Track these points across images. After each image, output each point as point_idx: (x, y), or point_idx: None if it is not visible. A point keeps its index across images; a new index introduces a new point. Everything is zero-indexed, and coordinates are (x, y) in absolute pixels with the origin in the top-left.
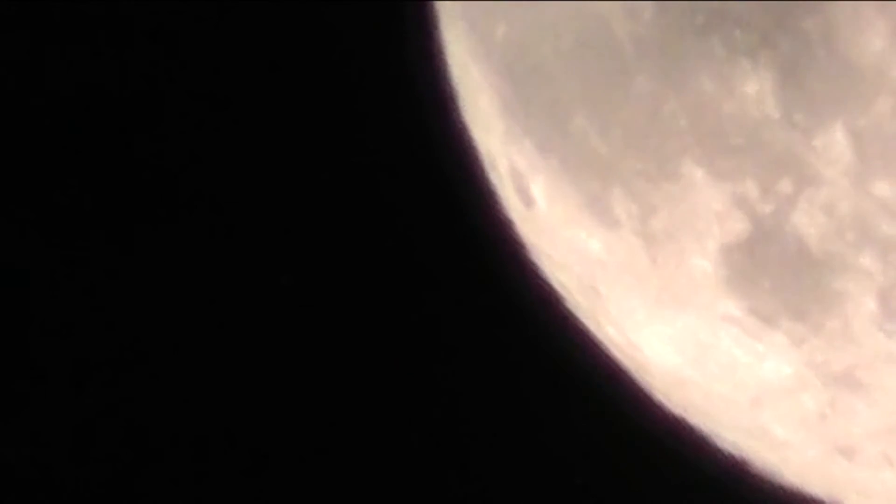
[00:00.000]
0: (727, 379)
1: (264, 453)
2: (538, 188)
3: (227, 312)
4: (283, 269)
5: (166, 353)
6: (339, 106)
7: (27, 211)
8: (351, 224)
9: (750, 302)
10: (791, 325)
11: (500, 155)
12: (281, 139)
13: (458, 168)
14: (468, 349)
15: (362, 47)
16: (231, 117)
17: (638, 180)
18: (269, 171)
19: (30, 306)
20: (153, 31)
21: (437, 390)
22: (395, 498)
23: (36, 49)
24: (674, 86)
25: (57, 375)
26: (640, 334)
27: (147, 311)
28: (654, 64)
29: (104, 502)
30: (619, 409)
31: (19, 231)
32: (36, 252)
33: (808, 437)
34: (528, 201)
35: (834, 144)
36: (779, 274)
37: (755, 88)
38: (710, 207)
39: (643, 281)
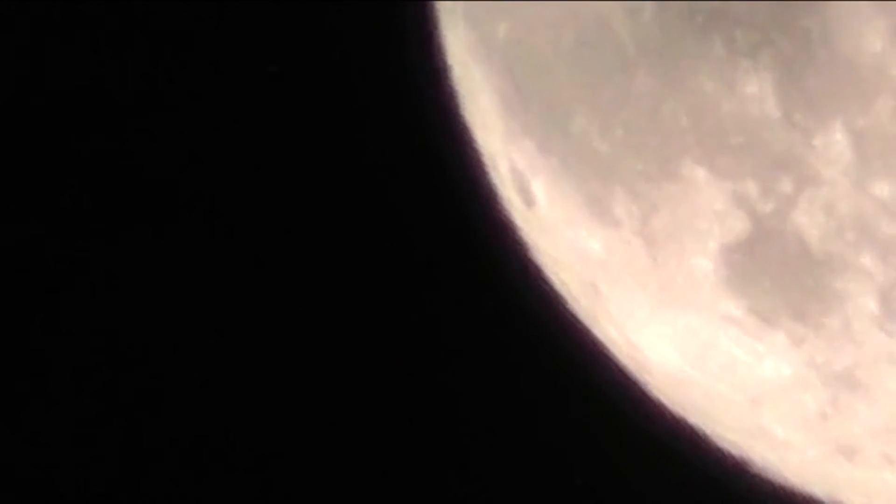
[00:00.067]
0: (727, 378)
1: (264, 453)
2: (539, 188)
3: (227, 312)
4: (284, 269)
5: (166, 353)
6: (339, 106)
7: (27, 211)
8: (351, 224)
9: (750, 302)
10: (791, 325)
11: (501, 155)
12: (281, 139)
13: (459, 168)
14: (468, 349)
15: (362, 47)
16: (231, 117)
17: (638, 180)
18: (269, 171)
19: (30, 306)
20: (153, 30)
21: (437, 390)
22: (395, 498)
23: (36, 49)
24: (674, 85)
25: (57, 375)
26: (640, 334)
27: (147, 310)
28: (655, 63)
29: (104, 502)
30: (619, 409)
31: (19, 231)
32: (36, 252)
33: (809, 437)
34: (528, 201)
35: (834, 144)
36: (779, 274)
37: (755, 88)
38: (710, 207)
39: (643, 280)
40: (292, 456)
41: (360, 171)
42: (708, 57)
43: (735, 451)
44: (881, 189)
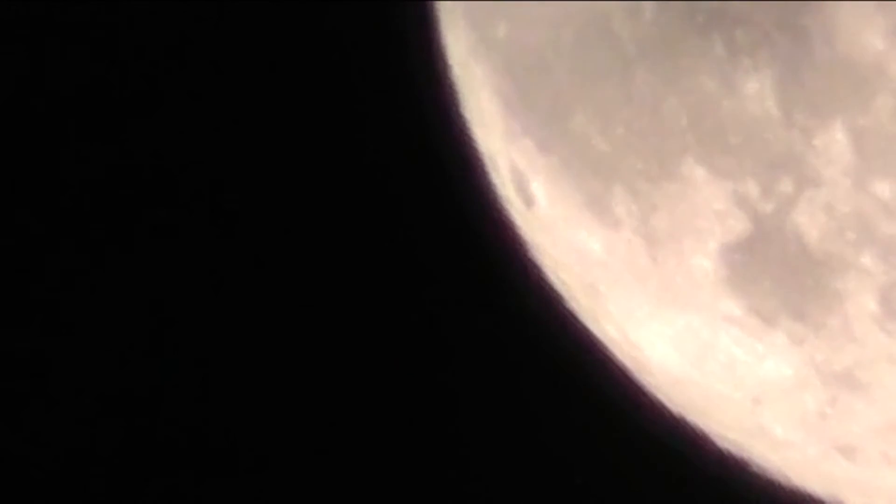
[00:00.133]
0: (727, 378)
1: (264, 452)
2: (539, 187)
3: (227, 312)
4: (284, 269)
5: (167, 353)
6: (340, 106)
7: (27, 211)
8: (351, 224)
9: (750, 301)
10: (791, 325)
11: (501, 154)
12: (281, 139)
13: (459, 167)
14: (468, 349)
15: (362, 47)
16: (231, 117)
17: (638, 179)
18: (269, 171)
19: (30, 306)
20: (153, 30)
21: (437, 390)
22: (395, 498)
23: (36, 49)
24: (674, 85)
25: (57, 375)
26: (640, 333)
27: (148, 310)
28: (655, 63)
29: (104, 502)
30: (619, 409)
31: (19, 230)
32: (36, 251)
33: (809, 437)
34: (528, 200)
35: (834, 143)
36: (779, 273)
37: (755, 87)
38: (710, 207)
39: (643, 280)
40: (292, 455)
41: (360, 171)
42: (708, 56)
43: (735, 451)
44: (881, 188)
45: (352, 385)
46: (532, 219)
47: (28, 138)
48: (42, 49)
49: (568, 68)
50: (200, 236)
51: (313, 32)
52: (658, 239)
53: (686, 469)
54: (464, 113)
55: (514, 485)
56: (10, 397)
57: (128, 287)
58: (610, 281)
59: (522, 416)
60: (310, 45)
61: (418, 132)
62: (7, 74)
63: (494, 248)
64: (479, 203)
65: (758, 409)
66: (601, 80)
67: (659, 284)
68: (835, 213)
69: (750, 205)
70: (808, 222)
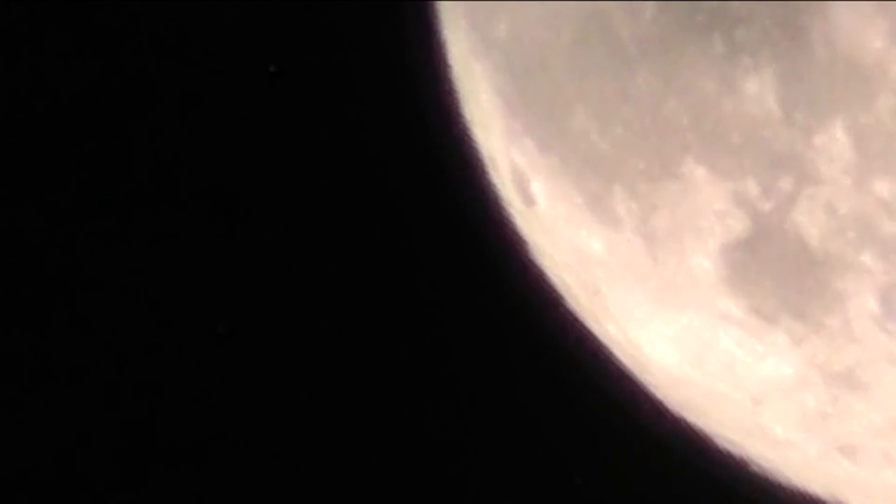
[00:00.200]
0: (727, 378)
1: (264, 451)
2: (539, 187)
3: (227, 311)
4: (284, 269)
5: (167, 352)
6: (340, 105)
7: (28, 210)
8: (351, 223)
9: (750, 301)
10: (792, 324)
11: (501, 154)
12: (281, 139)
13: (459, 167)
14: (468, 348)
15: (362, 47)
16: (231, 117)
17: (639, 179)
18: (269, 170)
19: (30, 306)
20: (153, 30)
21: (436, 389)
22: (395, 498)
23: (36, 49)
24: (674, 84)
25: (57, 375)
26: (640, 333)
27: (148, 310)
28: (655, 63)
29: (104, 502)
30: (619, 409)
31: (20, 230)
32: (36, 251)
33: (809, 437)
34: (528, 200)
35: (834, 143)
36: (779, 273)
37: (756, 87)
38: (710, 206)
39: (644, 280)
40: (292, 454)
41: (360, 171)
42: (708, 56)
43: (735, 451)
44: (882, 188)
45: (352, 384)
46: (532, 219)
47: (28, 138)
48: (42, 49)
49: (568, 68)
50: (200, 236)
51: (313, 32)
52: (658, 239)
53: (686, 469)
54: (464, 113)
55: (514, 484)
56: (10, 397)
57: (128, 287)
58: (610, 281)
59: (522, 415)
60: (310, 45)
61: (418, 132)
62: (7, 75)
63: (494, 248)
64: (479, 203)
65: (758, 409)
66: (601, 80)
67: (659, 284)
68: (835, 212)
69: (750, 204)
70: (809, 222)
